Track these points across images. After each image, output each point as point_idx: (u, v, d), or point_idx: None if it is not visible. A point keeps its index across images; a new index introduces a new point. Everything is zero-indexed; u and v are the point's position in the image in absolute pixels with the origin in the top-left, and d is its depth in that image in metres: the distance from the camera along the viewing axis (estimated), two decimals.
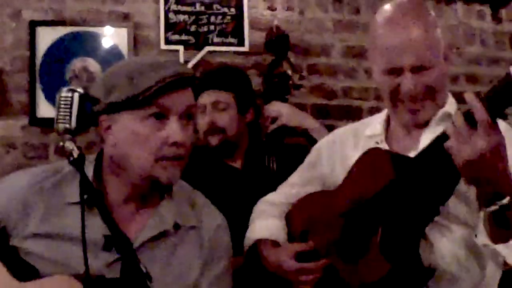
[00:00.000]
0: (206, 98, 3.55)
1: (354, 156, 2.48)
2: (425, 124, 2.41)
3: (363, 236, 2.28)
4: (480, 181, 1.87)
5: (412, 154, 2.29)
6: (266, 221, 2.75)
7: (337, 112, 4.64)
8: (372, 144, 2.50)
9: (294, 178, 2.87)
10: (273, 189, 2.97)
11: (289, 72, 3.92)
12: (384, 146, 2.48)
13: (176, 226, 2.22)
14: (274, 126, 3.72)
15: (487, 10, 5.10)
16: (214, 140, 3.55)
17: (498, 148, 1.82)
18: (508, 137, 2.05)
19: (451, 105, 2.44)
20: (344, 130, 2.78)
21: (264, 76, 3.98)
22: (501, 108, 1.80)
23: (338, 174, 2.58)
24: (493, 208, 1.91)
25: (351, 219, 2.38)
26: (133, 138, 2.10)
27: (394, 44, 2.32)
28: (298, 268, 2.53)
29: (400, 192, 2.17)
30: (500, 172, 1.84)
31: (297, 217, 2.73)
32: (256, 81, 4.09)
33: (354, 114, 4.56)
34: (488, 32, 5.09)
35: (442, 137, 1.95)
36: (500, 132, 1.83)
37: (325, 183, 2.70)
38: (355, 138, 2.65)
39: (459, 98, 2.22)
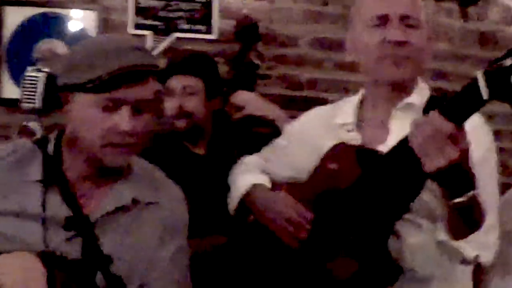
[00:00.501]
0: (175, 82, 3.57)
1: (325, 144, 2.46)
2: (393, 104, 2.40)
3: (332, 233, 2.29)
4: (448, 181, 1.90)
5: (382, 146, 2.30)
6: (256, 174, 2.71)
7: (303, 104, 4.59)
8: (343, 133, 2.48)
9: (268, 154, 2.80)
10: None
11: (257, 61, 3.96)
12: (356, 135, 2.45)
13: (134, 202, 2.25)
14: (240, 115, 3.74)
15: (455, 7, 5.17)
16: (181, 124, 3.57)
17: (466, 154, 1.84)
18: (478, 133, 2.14)
19: (418, 95, 2.43)
20: (316, 114, 2.73)
21: (232, 65, 4.01)
22: (467, 116, 1.79)
23: (308, 161, 2.53)
24: (455, 201, 1.91)
25: (319, 215, 2.38)
26: (85, 120, 2.12)
27: None
28: (302, 212, 2.43)
29: (368, 190, 2.18)
30: (466, 169, 1.87)
31: None
32: (223, 69, 4.07)
33: (319, 106, 4.54)
34: (456, 30, 5.17)
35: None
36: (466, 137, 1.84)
37: (293, 168, 2.64)
38: (326, 124, 2.58)
39: None
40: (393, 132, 2.34)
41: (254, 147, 3.34)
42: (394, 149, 2.10)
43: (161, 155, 3.26)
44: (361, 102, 2.55)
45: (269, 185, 2.64)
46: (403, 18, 2.31)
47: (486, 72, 1.72)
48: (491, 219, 2.12)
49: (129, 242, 2.21)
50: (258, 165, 2.75)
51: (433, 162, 1.80)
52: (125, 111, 2.11)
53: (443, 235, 2.15)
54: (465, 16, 5.22)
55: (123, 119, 2.10)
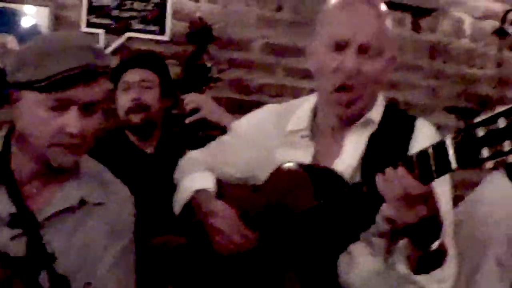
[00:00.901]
0: (132, 75, 3.62)
1: (278, 150, 2.44)
2: (348, 124, 2.35)
3: (278, 252, 2.30)
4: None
5: (336, 162, 2.29)
6: (202, 175, 2.65)
7: (252, 108, 4.57)
8: (297, 139, 2.43)
9: (214, 151, 2.75)
10: None
11: (209, 64, 4.01)
12: (309, 143, 2.41)
13: (82, 202, 2.26)
14: (193, 117, 3.74)
15: (408, 18, 5.28)
16: (136, 118, 3.61)
17: (436, 208, 1.86)
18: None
19: (377, 110, 2.38)
20: (267, 115, 2.64)
21: (184, 66, 4.05)
22: (434, 177, 1.78)
23: (259, 164, 2.51)
24: (423, 251, 1.94)
25: (269, 228, 2.37)
26: (32, 119, 2.12)
27: (346, 18, 2.27)
28: (241, 229, 2.42)
29: (319, 217, 2.14)
30: (435, 221, 1.89)
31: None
32: (174, 71, 4.11)
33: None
34: (407, 40, 5.27)
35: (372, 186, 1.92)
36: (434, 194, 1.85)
37: (240, 168, 2.61)
38: (278, 128, 2.52)
39: None
40: (348, 148, 2.33)
41: None
42: (356, 186, 2.05)
43: (109, 152, 3.28)
44: (316, 106, 2.48)
45: (214, 187, 2.59)
46: (363, 47, 2.24)
47: (456, 142, 1.68)
48: (452, 249, 2.12)
49: (76, 242, 2.22)
50: (204, 162, 2.70)
51: (403, 219, 1.82)
52: (73, 112, 2.11)
53: (402, 268, 2.10)
54: (417, 27, 5.32)
55: (71, 120, 2.10)
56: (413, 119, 2.35)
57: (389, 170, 1.85)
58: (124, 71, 3.64)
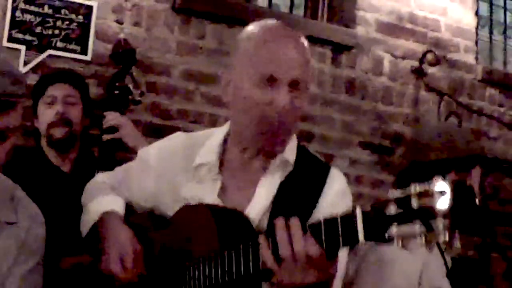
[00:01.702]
0: (57, 90, 3.68)
1: (183, 186, 2.38)
2: (263, 159, 2.31)
3: None
4: None
5: (246, 206, 2.25)
6: (109, 196, 2.58)
7: (170, 133, 4.61)
8: (204, 172, 2.36)
9: (121, 176, 2.66)
10: None
11: (131, 86, 4.05)
12: (218, 178, 2.35)
13: None
14: (111, 135, 3.81)
15: (328, 52, 5.42)
16: (59, 133, 3.66)
17: (330, 279, 1.91)
18: (338, 201, 2.22)
19: (291, 150, 2.34)
20: (174, 145, 2.54)
21: (106, 87, 4.08)
22: (338, 247, 1.80)
23: (164, 197, 2.44)
24: None
25: (164, 267, 2.35)
26: None
27: (273, 54, 2.21)
28: (128, 260, 2.33)
29: (222, 264, 2.07)
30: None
31: None
32: (94, 92, 4.20)
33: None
34: (326, 75, 5.41)
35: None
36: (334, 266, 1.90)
37: (146, 198, 2.52)
38: (185, 161, 2.42)
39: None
40: (261, 189, 2.29)
41: None
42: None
43: (24, 169, 3.35)
44: (226, 139, 2.42)
45: (122, 211, 2.53)
46: (293, 83, 2.20)
47: (365, 216, 1.71)
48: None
49: None
50: (110, 186, 2.63)
51: (291, 279, 1.86)
52: None
53: None
54: (336, 62, 5.47)
55: None
56: (327, 167, 2.36)
57: (295, 230, 1.87)
58: (47, 86, 3.69)
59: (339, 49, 5.48)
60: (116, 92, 4.03)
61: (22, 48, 4.44)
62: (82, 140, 3.82)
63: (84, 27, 4.59)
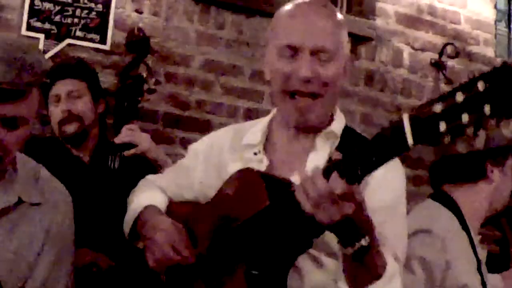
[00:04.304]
0: (60, 87, 3.61)
1: (230, 165, 2.36)
2: (306, 134, 2.30)
3: (228, 261, 2.20)
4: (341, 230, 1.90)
5: (295, 177, 2.10)
6: (153, 193, 2.58)
7: (188, 124, 4.73)
8: (250, 155, 2.36)
9: (170, 174, 2.69)
10: (116, 190, 3.06)
11: (145, 75, 3.98)
12: (262, 158, 2.33)
13: (19, 202, 2.25)
14: (131, 152, 3.69)
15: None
16: (70, 129, 3.60)
17: (361, 208, 1.85)
18: (387, 177, 2.14)
19: (338, 123, 2.34)
20: (224, 133, 2.57)
21: (120, 76, 4.04)
22: (372, 168, 1.78)
23: (211, 182, 2.41)
24: (351, 250, 1.91)
25: (218, 240, 2.28)
26: None
27: (297, 23, 2.21)
28: (181, 244, 2.31)
29: (272, 221, 2.04)
30: (360, 219, 1.87)
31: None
32: (112, 81, 4.18)
33: (204, 128, 4.64)
34: None
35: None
36: (360, 193, 1.85)
37: (195, 190, 2.52)
38: (233, 144, 2.45)
39: None
40: (312, 162, 2.23)
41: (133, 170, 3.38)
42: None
43: (45, 157, 3.29)
44: (271, 121, 2.43)
45: (162, 204, 2.52)
46: (315, 52, 2.18)
47: (412, 118, 1.66)
48: (395, 266, 2.08)
49: (11, 244, 2.22)
50: (158, 183, 2.63)
51: (326, 216, 1.82)
52: None
53: (343, 285, 2.09)
54: (355, 53, 5.41)
55: None
56: None
57: (315, 172, 1.85)
58: (51, 85, 3.63)
59: (358, 40, 5.43)
60: (130, 81, 3.97)
61: (41, 36, 4.42)
62: (100, 127, 3.78)
63: (103, 16, 4.57)
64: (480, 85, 1.56)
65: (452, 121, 1.58)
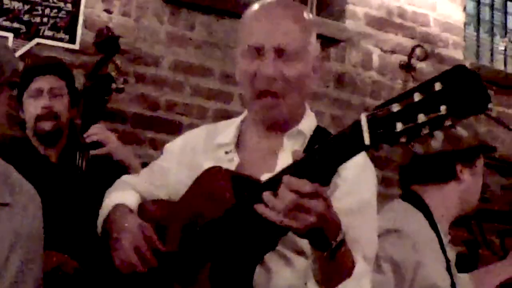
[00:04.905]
0: (43, 82, 3.59)
1: (203, 165, 2.33)
2: (275, 132, 2.30)
3: (196, 259, 2.19)
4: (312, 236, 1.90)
5: (266, 175, 2.12)
6: (122, 191, 2.54)
7: (157, 125, 4.73)
8: (221, 154, 2.36)
9: (145, 175, 2.66)
10: (83, 190, 3.05)
11: (113, 74, 3.93)
12: (234, 157, 2.34)
13: None
14: (98, 151, 3.64)
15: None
16: (47, 126, 3.58)
17: (329, 212, 1.85)
18: (359, 176, 2.16)
19: (307, 123, 2.33)
20: (197, 132, 2.57)
21: (88, 75, 3.96)
22: (338, 164, 1.82)
23: (185, 182, 2.39)
24: (324, 253, 1.91)
25: (187, 238, 2.27)
26: None
27: (261, 24, 2.22)
28: (143, 247, 2.26)
29: (238, 220, 2.05)
30: (327, 220, 1.87)
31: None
32: (82, 81, 4.05)
33: (173, 129, 4.66)
34: None
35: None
36: (324, 191, 1.84)
37: (170, 189, 2.50)
38: (206, 143, 2.45)
39: None
40: (282, 161, 2.23)
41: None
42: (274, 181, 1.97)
43: (13, 158, 3.28)
44: (243, 121, 2.43)
45: (134, 204, 2.48)
46: (278, 51, 2.18)
47: (371, 117, 1.68)
48: (364, 266, 2.09)
49: None
50: (132, 184, 2.60)
51: (296, 224, 1.82)
52: None
53: (312, 285, 2.07)
54: (325, 56, 5.42)
55: None
56: None
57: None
58: (32, 78, 3.62)
59: (328, 42, 5.44)
60: (98, 80, 3.91)
61: (10, 36, 4.41)
62: (69, 130, 3.73)
63: (73, 15, 4.55)
64: (437, 86, 1.57)
65: (409, 121, 1.60)
